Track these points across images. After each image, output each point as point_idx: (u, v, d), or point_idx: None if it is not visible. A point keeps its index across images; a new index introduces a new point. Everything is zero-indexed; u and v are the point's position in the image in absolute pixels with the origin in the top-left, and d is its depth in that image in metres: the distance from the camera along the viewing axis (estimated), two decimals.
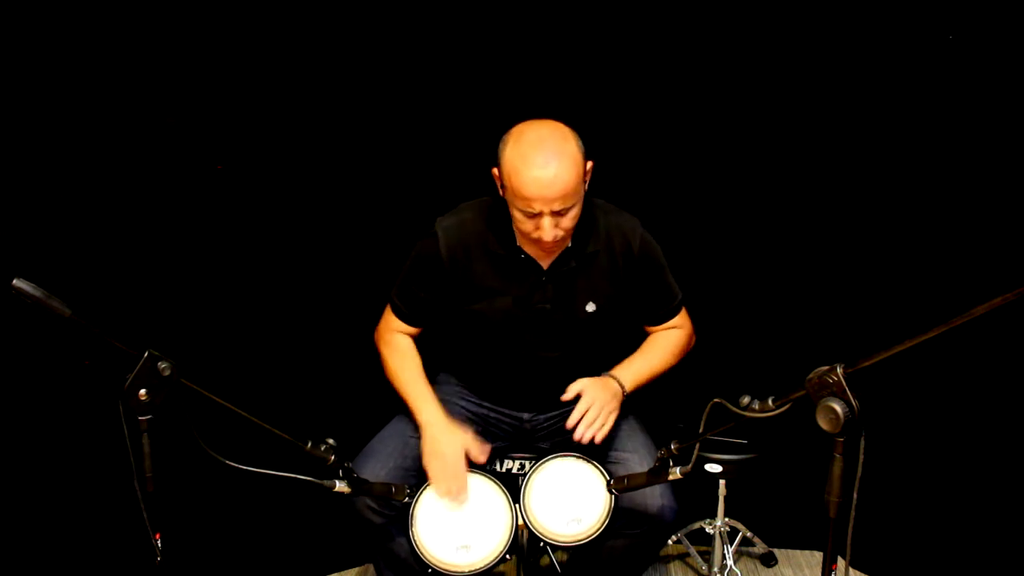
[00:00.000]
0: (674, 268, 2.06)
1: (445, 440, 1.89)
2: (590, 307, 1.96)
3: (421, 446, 1.90)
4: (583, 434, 1.84)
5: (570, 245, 1.91)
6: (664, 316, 2.07)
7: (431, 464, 1.86)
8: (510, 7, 2.30)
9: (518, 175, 1.73)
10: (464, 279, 1.94)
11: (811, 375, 1.27)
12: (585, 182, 1.82)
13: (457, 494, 1.85)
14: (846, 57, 2.26)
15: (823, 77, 2.29)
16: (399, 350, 2.04)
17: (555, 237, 1.78)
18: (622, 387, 1.96)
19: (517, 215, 1.79)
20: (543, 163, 1.71)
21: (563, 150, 1.73)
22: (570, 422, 1.86)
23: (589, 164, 1.83)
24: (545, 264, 1.92)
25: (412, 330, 2.06)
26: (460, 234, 1.92)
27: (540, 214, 1.74)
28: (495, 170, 1.83)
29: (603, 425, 1.86)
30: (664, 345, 2.08)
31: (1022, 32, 2.08)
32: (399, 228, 2.38)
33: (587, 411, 1.86)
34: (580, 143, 1.79)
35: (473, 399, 2.13)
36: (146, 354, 1.33)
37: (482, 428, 2.08)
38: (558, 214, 1.75)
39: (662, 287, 2.04)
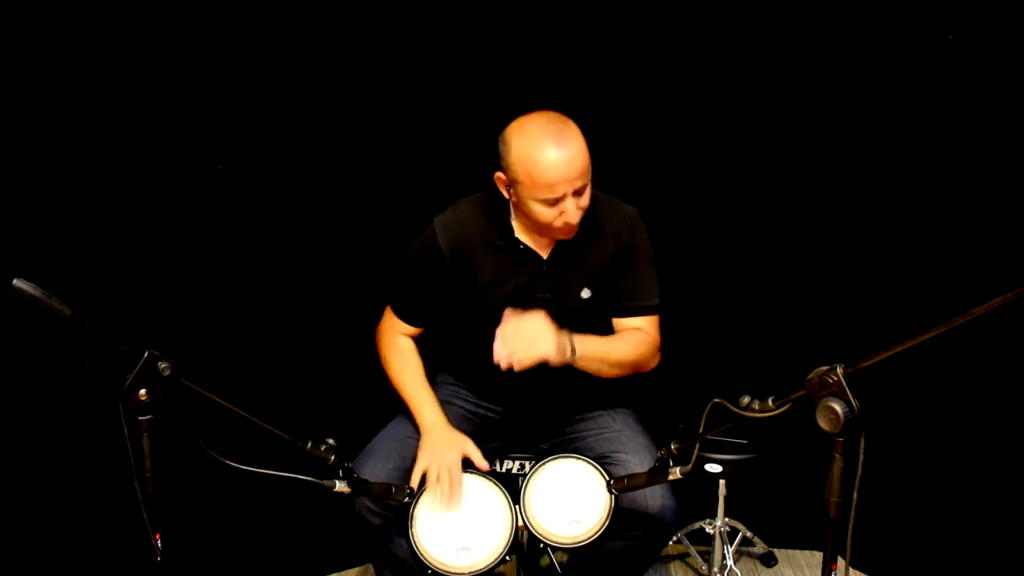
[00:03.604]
0: (674, 267, 2.04)
1: (444, 444, 1.88)
2: (585, 293, 1.95)
3: (419, 449, 1.89)
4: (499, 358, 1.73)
5: None
6: (630, 311, 1.97)
7: (430, 468, 1.84)
8: (505, 4, 2.30)
9: (536, 164, 1.71)
10: (465, 273, 1.93)
11: (811, 375, 1.26)
12: None
13: (450, 500, 1.83)
14: (846, 57, 2.26)
15: (823, 77, 2.29)
16: (401, 352, 2.04)
17: (580, 217, 1.78)
18: (573, 347, 1.80)
19: (537, 208, 1.76)
20: (558, 144, 1.70)
21: (569, 129, 1.74)
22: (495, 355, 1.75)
23: None
24: (545, 254, 1.92)
25: (414, 331, 2.05)
26: (459, 228, 1.92)
27: (563, 197, 1.73)
28: (499, 174, 1.81)
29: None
30: (629, 339, 1.96)
31: (1022, 32, 2.08)
32: (398, 227, 2.38)
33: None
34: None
35: (471, 399, 2.12)
36: (146, 354, 1.33)
37: (479, 427, 2.08)
38: (578, 193, 1.75)
39: (640, 280, 1.97)
